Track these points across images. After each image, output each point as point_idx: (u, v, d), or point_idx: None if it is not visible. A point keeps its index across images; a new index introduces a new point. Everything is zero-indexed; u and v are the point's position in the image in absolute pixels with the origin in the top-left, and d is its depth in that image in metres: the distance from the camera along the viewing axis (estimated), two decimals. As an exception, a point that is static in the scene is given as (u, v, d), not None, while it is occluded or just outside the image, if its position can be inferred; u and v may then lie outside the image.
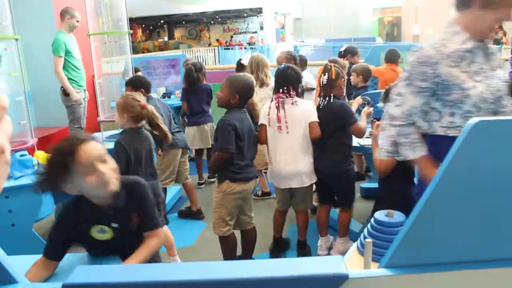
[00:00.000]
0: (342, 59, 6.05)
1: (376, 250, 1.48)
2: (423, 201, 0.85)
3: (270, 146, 3.35)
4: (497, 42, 10.34)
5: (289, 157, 3.27)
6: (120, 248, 1.89)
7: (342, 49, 6.42)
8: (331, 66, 3.40)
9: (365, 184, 4.75)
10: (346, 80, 3.55)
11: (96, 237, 1.85)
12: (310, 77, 5.59)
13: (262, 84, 4.46)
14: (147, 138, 3.05)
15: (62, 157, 1.67)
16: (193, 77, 4.89)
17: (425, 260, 0.89)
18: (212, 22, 30.84)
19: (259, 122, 3.38)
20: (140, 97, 3.13)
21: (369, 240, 1.38)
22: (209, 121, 5.05)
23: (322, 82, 3.36)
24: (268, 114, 3.31)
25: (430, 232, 0.87)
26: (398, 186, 2.76)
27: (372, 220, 1.62)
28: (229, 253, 3.21)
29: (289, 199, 3.48)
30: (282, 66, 3.42)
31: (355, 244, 1.67)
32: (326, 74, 3.35)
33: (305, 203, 3.50)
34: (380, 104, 4.07)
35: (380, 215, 1.61)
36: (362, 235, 1.64)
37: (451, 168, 0.83)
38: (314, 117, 3.24)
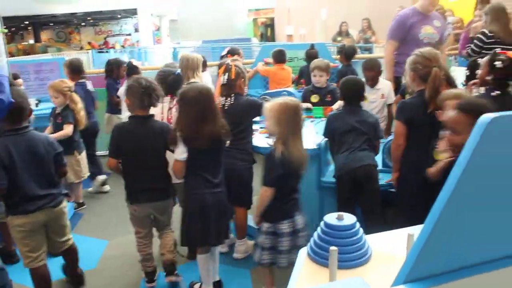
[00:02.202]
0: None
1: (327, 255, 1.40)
2: (440, 206, 0.78)
3: None
4: (367, 41, 11.05)
5: None
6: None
7: (224, 52, 6.29)
8: (231, 66, 3.35)
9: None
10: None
11: None
12: (208, 79, 5.43)
13: None
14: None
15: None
16: None
17: (449, 267, 0.82)
18: (83, 24, 29.23)
19: None
20: None
21: (334, 248, 1.30)
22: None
23: (223, 82, 3.31)
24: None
25: (452, 238, 0.81)
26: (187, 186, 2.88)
27: (322, 224, 1.54)
28: (40, 286, 2.92)
29: None
30: (177, 72, 3.56)
31: (304, 251, 1.58)
32: (227, 74, 3.31)
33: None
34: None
35: (330, 218, 1.54)
36: (312, 240, 1.55)
37: (469, 168, 0.77)
38: None
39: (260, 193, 2.64)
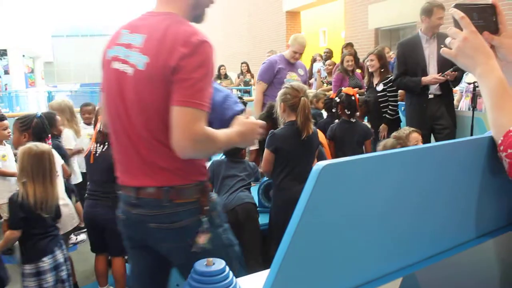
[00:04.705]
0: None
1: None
2: (282, 252, 0.85)
3: None
4: (247, 83, 11.49)
5: None
6: None
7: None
8: None
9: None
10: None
11: None
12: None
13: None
14: None
15: None
16: None
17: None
18: None
19: None
20: None
21: (201, 295, 1.33)
22: None
23: (99, 128, 3.25)
24: None
25: (298, 275, 0.89)
26: None
27: (192, 271, 1.56)
28: None
29: None
30: (39, 115, 3.52)
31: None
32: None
33: None
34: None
35: (199, 264, 1.56)
36: (184, 289, 1.56)
37: (306, 215, 0.86)
38: None
39: (6, 235, 2.76)
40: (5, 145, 4.00)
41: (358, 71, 6.79)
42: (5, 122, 3.96)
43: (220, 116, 1.84)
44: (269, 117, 3.90)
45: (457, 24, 1.23)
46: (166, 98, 1.57)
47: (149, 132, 1.66)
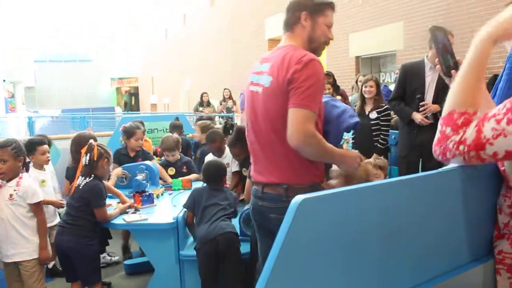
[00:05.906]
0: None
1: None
2: (263, 283, 0.85)
3: None
4: (229, 110, 11.53)
5: None
6: None
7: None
8: (94, 146, 3.26)
9: (129, 261, 4.55)
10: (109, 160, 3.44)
11: None
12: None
13: None
14: None
15: None
16: None
17: None
18: None
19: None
20: None
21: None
22: None
23: (84, 163, 3.21)
24: None
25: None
26: None
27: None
28: None
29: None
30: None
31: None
32: (89, 154, 3.22)
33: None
34: (139, 177, 4.03)
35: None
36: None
37: (285, 247, 0.86)
38: None
39: None
40: (44, 170, 3.96)
41: (338, 97, 6.88)
42: (45, 146, 3.94)
43: (337, 126, 2.28)
44: (239, 141, 3.79)
45: (435, 39, 1.48)
46: (286, 106, 2.01)
47: (275, 136, 2.09)
